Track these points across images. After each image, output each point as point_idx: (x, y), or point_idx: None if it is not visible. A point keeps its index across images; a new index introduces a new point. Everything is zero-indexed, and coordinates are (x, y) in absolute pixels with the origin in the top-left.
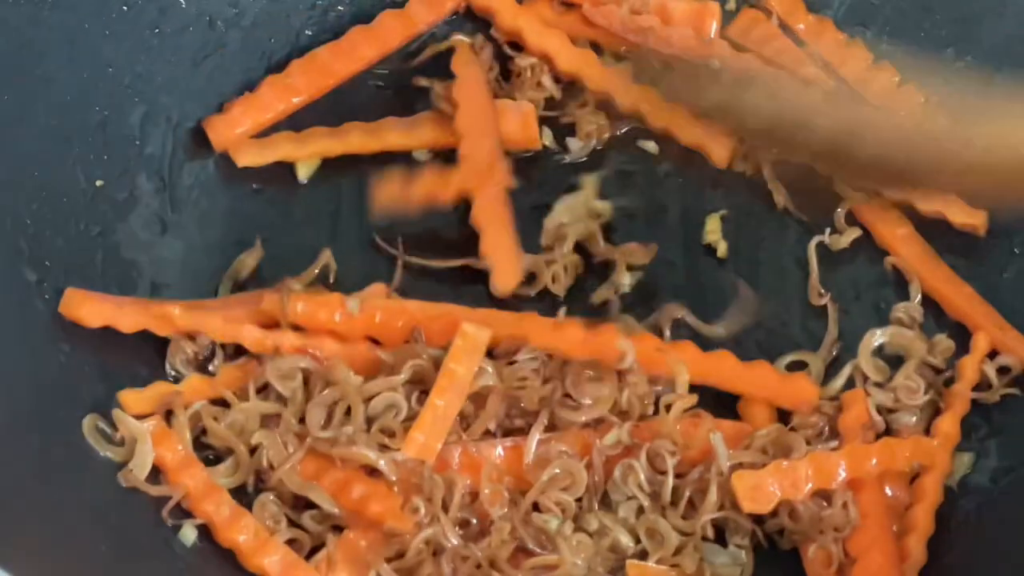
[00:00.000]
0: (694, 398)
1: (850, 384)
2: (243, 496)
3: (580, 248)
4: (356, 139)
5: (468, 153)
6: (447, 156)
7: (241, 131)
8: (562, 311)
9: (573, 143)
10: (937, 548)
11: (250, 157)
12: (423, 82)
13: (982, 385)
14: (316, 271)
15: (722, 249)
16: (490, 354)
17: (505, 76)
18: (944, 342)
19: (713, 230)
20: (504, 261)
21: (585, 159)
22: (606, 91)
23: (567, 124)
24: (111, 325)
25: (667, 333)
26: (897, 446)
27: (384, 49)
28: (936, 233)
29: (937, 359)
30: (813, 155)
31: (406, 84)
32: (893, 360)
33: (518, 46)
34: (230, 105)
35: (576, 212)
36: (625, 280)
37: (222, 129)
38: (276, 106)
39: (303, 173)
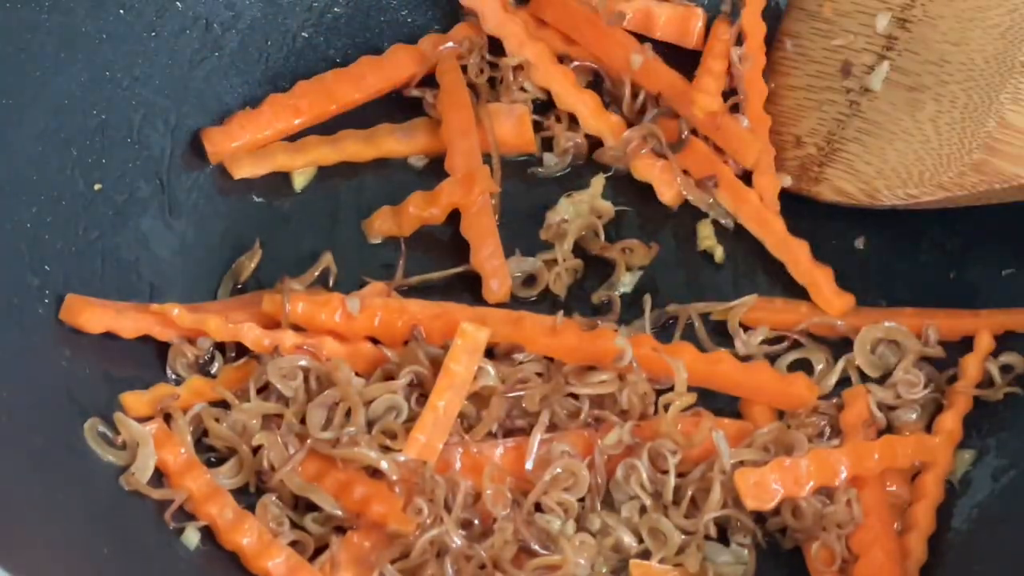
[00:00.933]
0: (693, 397)
1: (845, 381)
2: (245, 498)
3: (580, 248)
4: (351, 147)
5: (452, 167)
6: (443, 160)
7: (238, 145)
8: (560, 314)
9: (549, 158)
10: (938, 546)
11: (246, 168)
12: (415, 92)
13: (984, 383)
14: (316, 273)
15: (719, 254)
16: (490, 353)
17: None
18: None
19: (707, 236)
20: (493, 272)
21: (562, 173)
22: (573, 111)
23: (549, 137)
24: (112, 331)
25: (677, 335)
26: (899, 443)
27: (392, 82)
28: (934, 232)
29: (932, 348)
30: None
31: (399, 91)
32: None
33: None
34: (230, 119)
35: (580, 209)
36: (625, 280)
37: (219, 141)
38: (276, 124)
39: (299, 182)
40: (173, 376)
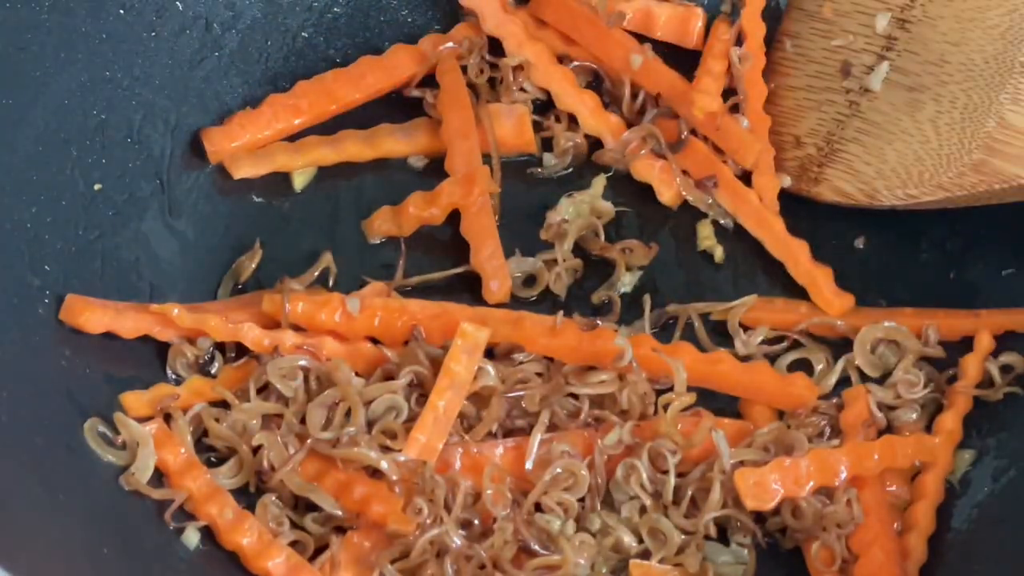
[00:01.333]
0: (693, 397)
1: (845, 381)
2: (245, 498)
3: (580, 248)
4: (352, 147)
5: (452, 167)
6: (443, 160)
7: (238, 145)
8: (560, 314)
9: (548, 158)
10: (938, 546)
11: (246, 169)
12: (415, 92)
13: (984, 383)
14: (316, 273)
15: (719, 254)
16: (490, 354)
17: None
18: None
19: (707, 236)
20: (493, 273)
21: (562, 174)
22: (572, 111)
23: (549, 137)
24: (112, 331)
25: (677, 335)
26: (899, 443)
27: (392, 82)
28: (934, 232)
29: (932, 348)
30: None
31: (399, 91)
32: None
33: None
34: (230, 119)
35: (580, 209)
36: (625, 280)
37: (219, 140)
38: (276, 124)
39: (299, 182)
40: (173, 376)
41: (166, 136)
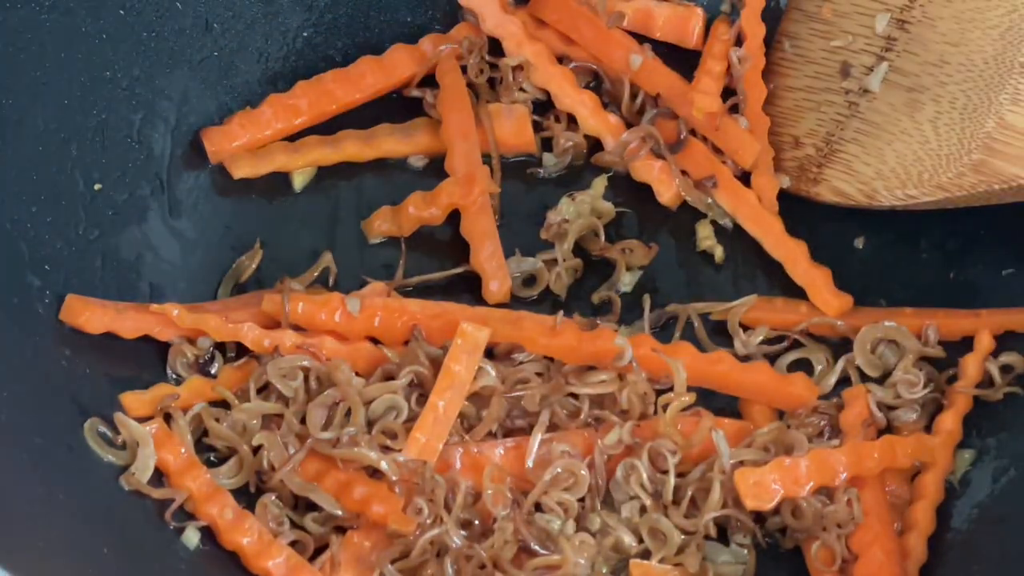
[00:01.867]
0: (693, 397)
1: (845, 381)
2: (245, 498)
3: (580, 248)
4: (351, 147)
5: (451, 167)
6: (443, 160)
7: (238, 145)
8: (560, 314)
9: (548, 158)
10: (938, 546)
11: (246, 169)
12: (415, 92)
13: (984, 383)
14: (316, 273)
15: (719, 254)
16: (490, 354)
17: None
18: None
19: (706, 236)
20: (493, 273)
21: (562, 174)
22: (572, 111)
23: (549, 137)
24: (112, 331)
25: (676, 335)
26: (899, 443)
27: (392, 82)
28: (934, 232)
29: (932, 348)
30: None
31: (399, 91)
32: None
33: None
34: (230, 119)
35: (581, 209)
36: (625, 280)
37: (218, 140)
38: (276, 124)
39: (299, 182)
40: (173, 376)
41: (166, 136)
